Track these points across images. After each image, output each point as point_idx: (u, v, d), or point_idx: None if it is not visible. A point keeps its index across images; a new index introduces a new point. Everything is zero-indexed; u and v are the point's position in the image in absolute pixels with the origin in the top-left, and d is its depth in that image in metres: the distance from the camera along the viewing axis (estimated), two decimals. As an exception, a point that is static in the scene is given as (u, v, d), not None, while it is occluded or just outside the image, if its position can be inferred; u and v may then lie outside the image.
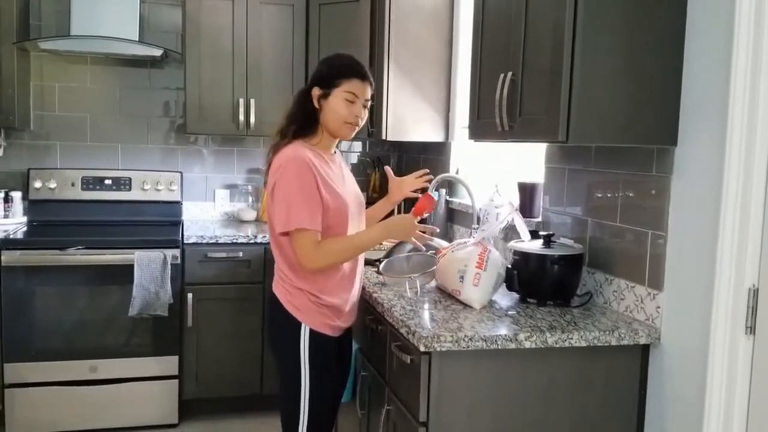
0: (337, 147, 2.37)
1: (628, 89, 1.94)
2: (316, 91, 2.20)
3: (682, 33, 1.96)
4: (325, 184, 2.15)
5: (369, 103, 2.25)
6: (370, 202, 4.31)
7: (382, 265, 2.63)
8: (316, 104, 2.20)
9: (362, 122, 2.24)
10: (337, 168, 2.30)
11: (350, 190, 2.31)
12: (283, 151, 2.16)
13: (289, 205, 2.08)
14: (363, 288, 2.48)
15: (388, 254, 2.87)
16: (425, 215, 2.40)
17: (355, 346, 2.60)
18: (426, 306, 2.25)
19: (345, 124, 2.20)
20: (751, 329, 1.77)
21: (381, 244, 2.42)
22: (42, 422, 3.50)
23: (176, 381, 3.65)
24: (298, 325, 2.18)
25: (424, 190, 2.49)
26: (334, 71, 2.20)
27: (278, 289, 2.25)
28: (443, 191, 3.57)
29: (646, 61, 1.94)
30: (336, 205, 2.17)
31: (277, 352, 2.29)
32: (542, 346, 1.95)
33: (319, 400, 2.21)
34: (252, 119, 3.93)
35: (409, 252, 2.81)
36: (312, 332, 2.19)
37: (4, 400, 3.45)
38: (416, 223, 2.28)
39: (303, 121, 2.21)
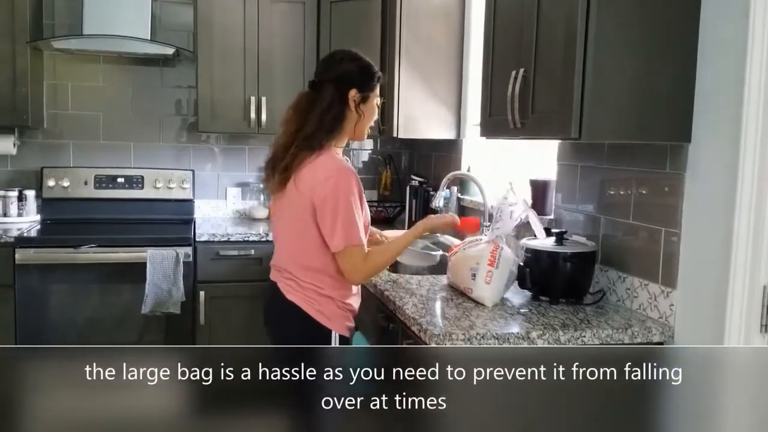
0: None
1: (642, 86, 1.92)
2: (354, 94, 2.10)
3: (696, 28, 1.94)
4: (361, 196, 2.10)
5: None
6: (381, 200, 4.34)
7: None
8: (352, 107, 2.10)
9: None
10: None
11: None
12: (327, 161, 2.05)
13: (349, 220, 2.02)
14: (375, 285, 2.49)
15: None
16: (463, 233, 2.40)
17: (366, 344, 2.60)
18: (438, 304, 2.25)
19: (369, 128, 2.19)
20: (766, 327, 1.75)
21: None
22: (56, 419, 3.52)
23: (189, 378, 3.66)
24: (328, 333, 2.12)
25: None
26: (370, 74, 2.14)
27: (298, 297, 2.13)
28: (455, 189, 3.56)
29: (660, 57, 1.93)
30: (365, 214, 2.16)
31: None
32: (555, 345, 1.94)
33: None
34: (263, 117, 3.93)
35: (422, 248, 2.81)
36: (341, 337, 2.15)
37: (18, 397, 3.47)
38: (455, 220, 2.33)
39: (337, 124, 2.10)
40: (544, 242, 2.31)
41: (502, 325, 2.00)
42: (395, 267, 2.78)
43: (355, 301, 2.23)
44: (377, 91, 2.16)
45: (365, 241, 2.09)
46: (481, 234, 2.34)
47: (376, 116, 2.19)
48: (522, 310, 2.18)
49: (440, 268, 2.71)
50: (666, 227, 2.08)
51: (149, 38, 3.88)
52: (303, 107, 2.10)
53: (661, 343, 2.06)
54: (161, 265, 3.48)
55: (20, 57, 3.66)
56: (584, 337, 1.96)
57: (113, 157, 4.17)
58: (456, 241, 2.77)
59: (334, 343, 2.12)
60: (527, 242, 2.34)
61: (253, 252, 3.69)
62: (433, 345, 1.88)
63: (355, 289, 2.22)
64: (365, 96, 2.11)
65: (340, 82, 2.09)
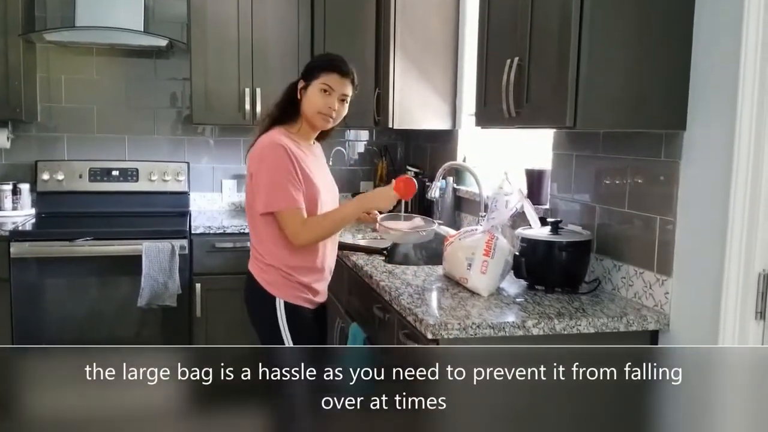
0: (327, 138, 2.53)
1: (636, 73, 1.92)
2: (300, 83, 2.36)
3: (691, 16, 1.93)
4: (300, 169, 2.28)
5: (348, 98, 2.36)
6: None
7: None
8: (298, 95, 2.35)
9: (337, 115, 2.36)
10: (314, 158, 2.43)
11: (325, 180, 2.45)
12: (261, 138, 2.33)
13: (272, 185, 2.24)
14: (370, 276, 2.49)
15: (393, 244, 2.87)
16: (405, 197, 2.37)
17: (362, 335, 2.61)
18: (433, 294, 2.25)
19: (318, 114, 2.33)
20: (761, 314, 1.75)
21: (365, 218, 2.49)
22: (53, 412, 3.52)
23: (186, 371, 3.66)
24: (273, 299, 2.32)
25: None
26: (316, 65, 2.38)
27: (253, 267, 2.40)
28: (450, 179, 3.55)
29: (655, 44, 1.92)
30: (309, 192, 2.30)
31: (257, 327, 2.43)
32: (550, 333, 1.95)
33: None
34: (258, 109, 3.92)
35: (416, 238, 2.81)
36: (287, 305, 2.32)
37: (15, 391, 3.48)
38: (394, 196, 2.33)
39: (285, 110, 2.38)
40: (540, 232, 2.30)
41: (497, 315, 2.00)
42: (391, 257, 2.79)
43: (310, 279, 2.36)
44: (324, 80, 2.30)
45: (302, 205, 2.26)
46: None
47: (318, 103, 2.32)
48: (518, 300, 2.18)
49: (436, 258, 2.71)
50: (661, 215, 2.08)
51: (142, 30, 3.86)
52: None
53: (657, 332, 2.06)
54: (157, 258, 3.48)
55: (12, 50, 3.64)
56: (580, 325, 1.96)
57: (108, 150, 4.15)
58: (451, 231, 2.77)
59: (280, 310, 2.31)
60: (523, 232, 2.34)
61: (248, 244, 3.67)
62: (430, 335, 1.88)
63: (312, 264, 2.36)
64: (306, 84, 2.34)
65: (298, 77, 2.39)
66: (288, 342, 2.31)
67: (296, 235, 2.26)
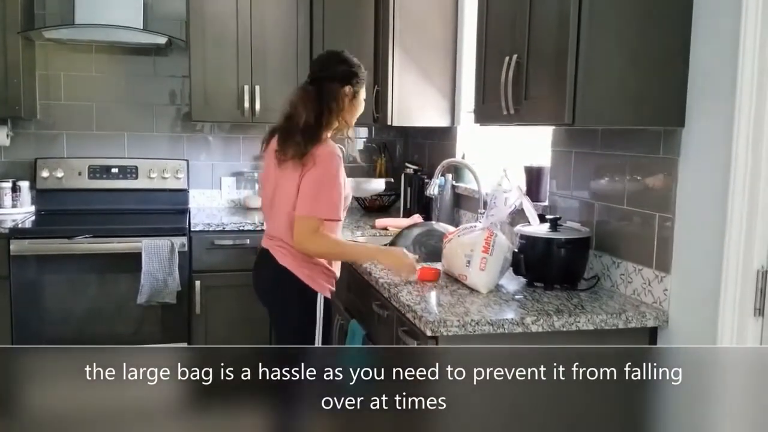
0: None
1: (635, 70, 1.92)
2: (348, 89, 2.41)
3: (690, 13, 1.93)
4: (343, 176, 2.38)
5: None
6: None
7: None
8: (346, 101, 2.41)
9: None
10: None
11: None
12: (324, 146, 2.34)
13: (321, 194, 2.30)
14: (369, 273, 2.50)
15: (392, 243, 2.87)
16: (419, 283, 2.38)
17: (362, 332, 2.61)
18: (432, 291, 2.25)
19: (356, 117, 2.51)
20: (760, 311, 1.76)
21: (371, 262, 2.58)
22: (53, 409, 3.53)
23: (185, 368, 3.67)
24: (314, 294, 2.41)
25: None
26: (354, 71, 2.44)
27: (288, 261, 2.41)
28: (449, 176, 3.55)
29: (653, 42, 1.92)
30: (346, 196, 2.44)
31: (290, 318, 2.47)
32: (549, 330, 1.95)
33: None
34: (257, 106, 3.92)
35: (415, 237, 2.82)
36: (325, 299, 2.44)
37: (15, 388, 3.48)
38: (414, 269, 2.38)
39: (332, 117, 2.40)
40: (539, 229, 2.31)
41: (496, 311, 2.00)
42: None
43: (337, 268, 2.53)
44: (363, 84, 2.47)
45: (333, 219, 2.34)
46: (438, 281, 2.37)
47: (362, 109, 2.50)
48: (517, 297, 2.19)
49: (435, 255, 2.71)
50: (660, 212, 2.08)
51: (142, 27, 3.86)
52: (304, 101, 2.38)
53: (656, 328, 2.07)
54: (156, 255, 3.48)
55: (11, 47, 3.64)
56: (579, 322, 1.97)
57: (107, 148, 4.15)
58: (450, 228, 2.78)
59: (320, 304, 2.42)
60: (522, 229, 2.34)
61: (248, 241, 3.69)
62: (429, 332, 1.89)
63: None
64: (355, 92, 2.44)
65: (337, 81, 2.40)
66: (319, 335, 2.42)
67: (302, 240, 2.32)
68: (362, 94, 2.47)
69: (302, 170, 2.31)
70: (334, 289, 2.52)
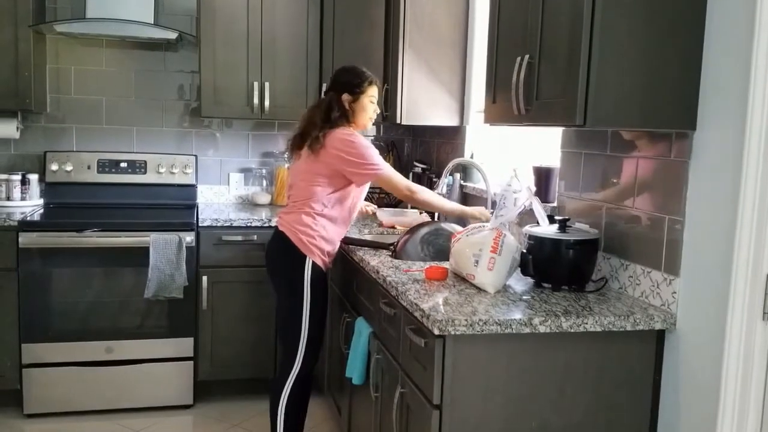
0: None
1: (647, 72, 1.92)
2: (346, 97, 2.83)
3: (703, 15, 1.93)
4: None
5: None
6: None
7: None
8: (347, 106, 2.83)
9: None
10: None
11: None
12: (336, 131, 2.77)
13: (371, 157, 2.78)
14: (377, 271, 2.50)
15: (400, 241, 2.87)
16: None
17: (368, 329, 2.61)
18: (440, 290, 2.25)
19: (369, 120, 2.93)
20: (769, 315, 1.75)
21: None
22: (58, 402, 3.54)
23: (191, 362, 3.69)
24: (304, 257, 2.77)
25: None
26: (356, 81, 2.84)
27: (288, 229, 2.80)
28: (457, 176, 3.55)
29: (666, 43, 1.92)
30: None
31: (284, 278, 2.84)
32: (557, 331, 1.95)
33: (313, 318, 2.80)
34: (266, 102, 3.92)
35: (423, 236, 2.82)
36: (314, 264, 2.78)
37: (21, 380, 3.50)
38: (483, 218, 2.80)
39: (343, 119, 2.83)
40: (547, 229, 2.30)
41: (504, 311, 2.00)
42: (398, 253, 2.79)
43: (334, 246, 2.89)
44: (369, 91, 2.86)
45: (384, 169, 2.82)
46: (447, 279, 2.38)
47: (371, 110, 2.90)
48: (524, 297, 2.18)
49: (443, 254, 2.71)
50: (669, 215, 2.08)
51: (152, 22, 3.87)
52: (314, 109, 2.90)
53: (663, 331, 2.06)
54: (164, 250, 3.49)
55: (23, 41, 3.66)
56: (586, 324, 1.96)
57: (116, 142, 4.17)
58: (458, 228, 2.78)
59: (308, 267, 2.77)
60: (530, 229, 2.34)
61: (255, 237, 3.70)
62: (436, 330, 1.89)
63: (339, 238, 2.91)
64: (354, 98, 2.84)
65: (337, 90, 2.86)
66: (307, 294, 2.77)
67: (395, 188, 2.85)
68: (364, 99, 2.85)
69: (317, 155, 2.75)
70: (327, 260, 2.86)
